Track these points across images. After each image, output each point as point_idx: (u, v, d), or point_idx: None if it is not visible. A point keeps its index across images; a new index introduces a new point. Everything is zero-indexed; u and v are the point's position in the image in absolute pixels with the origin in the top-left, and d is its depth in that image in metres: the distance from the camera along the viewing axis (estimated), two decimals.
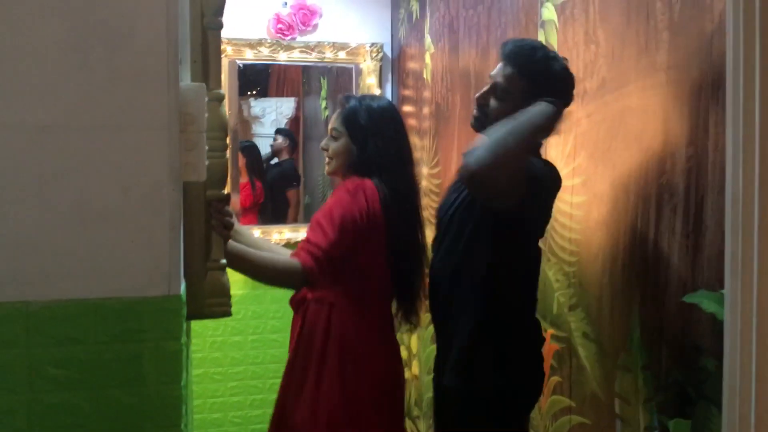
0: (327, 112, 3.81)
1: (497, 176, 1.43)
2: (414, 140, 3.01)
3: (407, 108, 3.37)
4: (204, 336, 3.37)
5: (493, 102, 1.66)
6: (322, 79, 3.79)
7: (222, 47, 3.29)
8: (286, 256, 1.87)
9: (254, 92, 3.79)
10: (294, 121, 3.86)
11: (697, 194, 1.40)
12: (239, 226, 1.88)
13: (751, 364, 1.16)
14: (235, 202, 3.43)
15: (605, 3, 1.73)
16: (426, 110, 3.11)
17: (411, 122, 3.26)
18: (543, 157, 2.01)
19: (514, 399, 1.69)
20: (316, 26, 3.49)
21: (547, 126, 1.57)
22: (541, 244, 1.73)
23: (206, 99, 1.37)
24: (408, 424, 3.15)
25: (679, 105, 1.46)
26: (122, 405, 1.25)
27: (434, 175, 2.96)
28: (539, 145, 1.75)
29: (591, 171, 1.78)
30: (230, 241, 1.62)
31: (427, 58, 3.09)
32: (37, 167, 1.23)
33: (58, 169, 1.23)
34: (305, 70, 3.76)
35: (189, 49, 1.45)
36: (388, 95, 3.59)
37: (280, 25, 3.42)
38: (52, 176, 1.23)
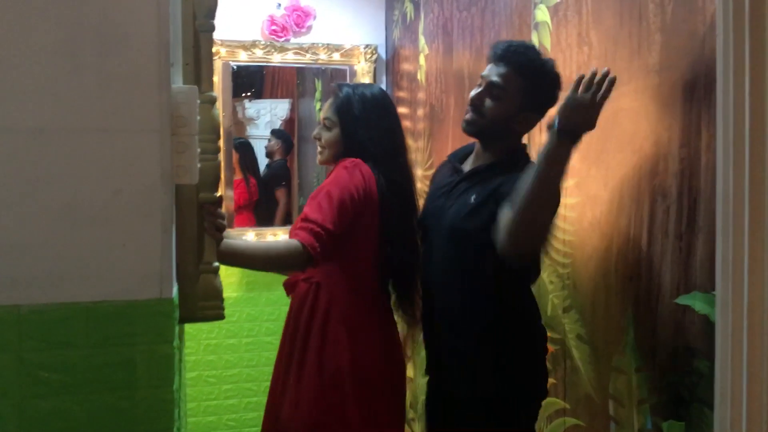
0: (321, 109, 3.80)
1: (536, 247, 1.58)
2: (408, 142, 3.01)
3: (401, 109, 3.37)
4: (198, 339, 3.36)
5: (488, 102, 1.66)
6: (316, 81, 3.79)
7: (216, 49, 3.31)
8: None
9: (249, 94, 3.79)
10: (289, 122, 3.86)
11: (690, 196, 1.40)
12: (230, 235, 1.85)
13: (742, 365, 1.16)
14: (230, 205, 3.42)
15: (598, 5, 1.73)
16: (420, 112, 3.11)
17: (405, 124, 3.26)
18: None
19: (523, 405, 1.70)
20: (310, 28, 3.48)
21: (565, 166, 1.48)
22: None
23: (198, 101, 1.37)
24: None
25: (671, 106, 1.46)
26: (114, 409, 1.25)
27: (428, 177, 2.95)
28: (525, 146, 1.77)
29: (584, 172, 1.78)
30: (223, 240, 1.60)
31: (421, 60, 3.09)
32: (28, 170, 1.22)
33: (49, 171, 1.23)
34: (300, 72, 3.75)
35: (181, 51, 1.45)
36: None
37: (274, 27, 3.41)
38: (43, 179, 1.23)
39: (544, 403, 1.79)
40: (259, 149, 3.80)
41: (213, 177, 1.48)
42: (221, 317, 1.52)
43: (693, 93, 1.40)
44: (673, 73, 1.46)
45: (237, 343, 3.43)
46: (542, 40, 2.00)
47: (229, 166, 3.41)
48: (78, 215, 1.24)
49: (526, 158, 1.74)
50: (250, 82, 3.76)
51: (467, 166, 1.79)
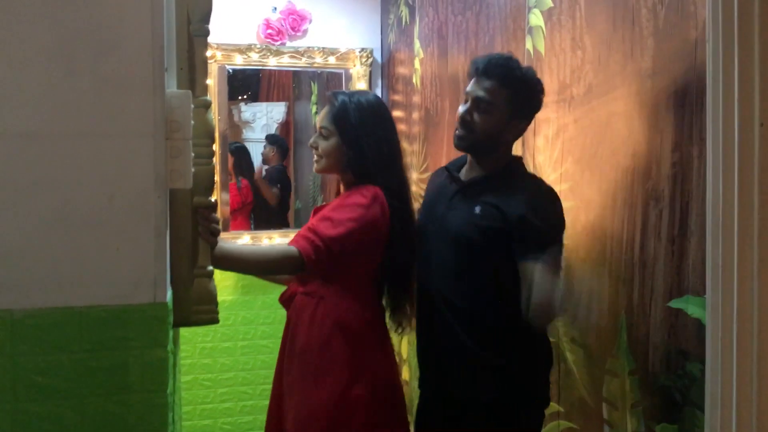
0: (317, 117, 3.81)
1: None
2: (404, 145, 3.01)
3: (397, 113, 3.38)
4: (194, 342, 3.36)
5: (477, 116, 1.69)
6: (312, 84, 3.80)
7: (211, 52, 3.31)
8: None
9: (245, 97, 3.79)
10: (284, 125, 3.87)
11: (682, 199, 1.41)
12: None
13: (732, 368, 1.17)
14: (225, 210, 3.42)
15: (591, 9, 1.74)
16: (415, 115, 3.12)
17: (401, 127, 3.26)
18: (532, 161, 2.02)
19: (524, 410, 1.70)
20: (305, 31, 3.49)
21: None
22: None
23: (192, 106, 1.37)
24: None
25: (664, 110, 1.47)
26: (108, 414, 1.25)
27: (424, 180, 2.96)
28: (520, 158, 1.80)
29: (578, 176, 1.79)
30: (218, 245, 1.60)
31: (417, 64, 3.09)
32: (21, 174, 1.22)
33: (42, 176, 1.23)
34: (295, 75, 3.76)
35: (175, 55, 1.45)
36: None
37: (269, 31, 3.42)
38: (36, 183, 1.23)
39: None
40: (255, 152, 3.80)
41: (207, 181, 1.48)
42: (215, 321, 1.52)
43: (685, 97, 1.40)
44: (666, 77, 1.46)
45: (233, 346, 3.43)
46: (536, 44, 2.01)
47: (225, 169, 3.41)
48: (71, 219, 1.24)
49: (523, 170, 1.79)
50: (246, 85, 3.76)
51: (463, 176, 1.81)
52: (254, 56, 3.41)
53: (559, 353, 1.85)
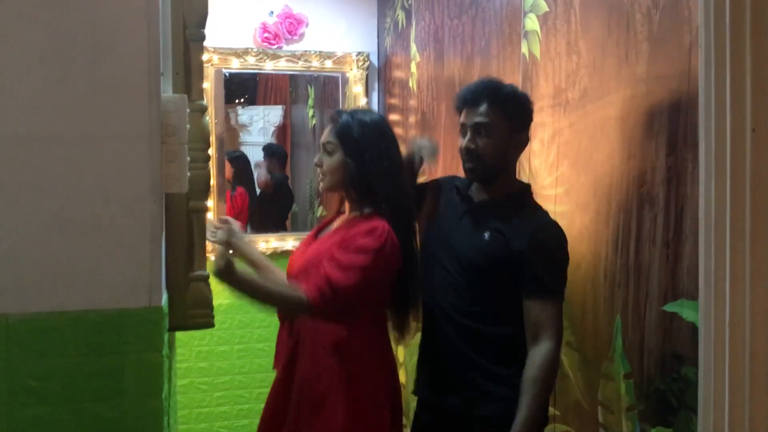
0: (314, 120, 3.81)
1: None
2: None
3: (393, 117, 3.38)
4: (190, 346, 3.35)
5: (480, 142, 1.71)
6: (309, 88, 3.80)
7: (208, 56, 3.31)
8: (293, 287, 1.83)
9: (241, 100, 3.80)
10: (281, 129, 3.87)
11: (677, 204, 1.41)
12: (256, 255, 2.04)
13: (724, 372, 1.17)
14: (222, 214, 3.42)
15: (586, 14, 1.74)
16: (412, 119, 3.12)
17: (397, 131, 3.26)
18: (528, 165, 2.03)
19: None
20: (302, 35, 3.49)
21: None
22: None
23: (188, 110, 1.37)
24: None
25: (658, 115, 1.47)
26: (103, 418, 1.25)
27: (420, 183, 2.96)
28: (529, 186, 1.81)
29: (573, 180, 1.80)
30: (244, 269, 1.61)
31: (413, 67, 3.10)
32: (16, 178, 1.22)
33: (38, 180, 1.23)
34: (292, 79, 3.76)
35: (171, 60, 1.45)
36: (375, 104, 3.60)
37: (266, 34, 3.42)
38: (32, 187, 1.23)
39: None
40: (252, 156, 3.80)
41: (203, 186, 1.49)
42: (211, 325, 1.52)
43: (680, 101, 1.41)
44: (660, 81, 1.47)
45: (229, 350, 3.42)
46: (532, 48, 2.01)
47: (221, 173, 3.41)
48: (66, 223, 1.24)
49: (533, 201, 1.80)
50: (243, 88, 3.77)
51: (473, 194, 1.81)
52: (251, 60, 3.41)
53: None
